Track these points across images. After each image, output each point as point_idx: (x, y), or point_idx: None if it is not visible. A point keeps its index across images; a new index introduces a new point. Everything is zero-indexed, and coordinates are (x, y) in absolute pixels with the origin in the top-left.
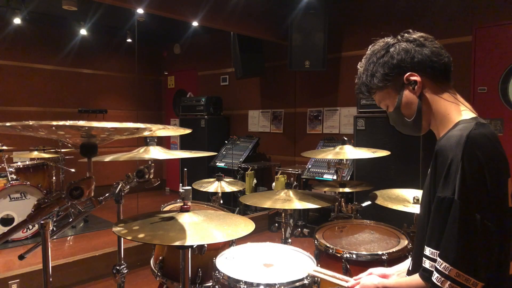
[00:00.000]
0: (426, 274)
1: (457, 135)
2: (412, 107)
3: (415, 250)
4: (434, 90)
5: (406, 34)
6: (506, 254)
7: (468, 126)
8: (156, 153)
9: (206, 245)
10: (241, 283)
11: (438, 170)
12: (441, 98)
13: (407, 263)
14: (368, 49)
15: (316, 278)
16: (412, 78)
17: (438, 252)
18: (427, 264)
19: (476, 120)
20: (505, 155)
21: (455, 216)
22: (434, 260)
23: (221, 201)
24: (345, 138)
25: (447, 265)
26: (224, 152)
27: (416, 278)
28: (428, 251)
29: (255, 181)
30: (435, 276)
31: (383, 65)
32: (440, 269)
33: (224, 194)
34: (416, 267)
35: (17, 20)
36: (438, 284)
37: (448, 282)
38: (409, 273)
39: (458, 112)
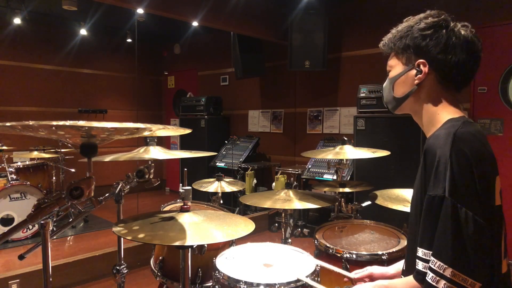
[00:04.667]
0: (419, 276)
1: (444, 133)
2: (405, 88)
3: (407, 251)
4: (434, 89)
5: (460, 25)
6: (497, 252)
7: (455, 125)
8: (156, 153)
9: (206, 245)
10: (241, 283)
11: (427, 169)
12: (438, 98)
13: None
14: (426, 12)
15: (316, 278)
16: (422, 67)
17: (430, 252)
18: (420, 265)
19: (463, 119)
20: (493, 153)
21: (447, 214)
22: (427, 261)
23: (221, 201)
24: (345, 138)
25: (442, 263)
26: (224, 152)
27: (410, 279)
28: (420, 252)
29: (255, 181)
30: (430, 276)
31: (414, 38)
32: (434, 268)
33: (224, 194)
34: (409, 268)
35: (17, 20)
36: (433, 284)
37: (443, 282)
38: (403, 273)
39: (448, 112)
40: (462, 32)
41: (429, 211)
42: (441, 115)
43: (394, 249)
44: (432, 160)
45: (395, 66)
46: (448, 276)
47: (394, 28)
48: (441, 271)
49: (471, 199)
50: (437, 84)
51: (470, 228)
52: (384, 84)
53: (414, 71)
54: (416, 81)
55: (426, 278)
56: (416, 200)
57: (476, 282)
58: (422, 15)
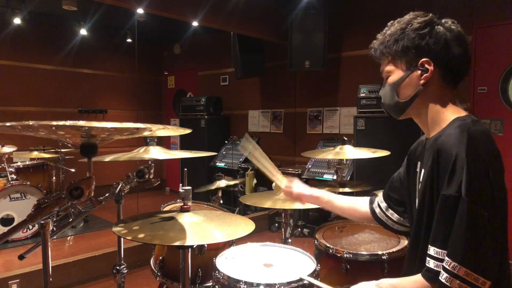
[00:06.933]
0: (430, 274)
1: (457, 132)
2: (410, 90)
3: (409, 249)
4: (439, 87)
5: (450, 21)
6: (507, 250)
7: (465, 123)
8: (156, 153)
9: (206, 245)
10: (241, 283)
11: (440, 168)
12: (442, 96)
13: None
14: (408, 14)
15: (316, 278)
16: (426, 66)
17: (444, 251)
18: (431, 264)
19: (470, 118)
20: (499, 150)
21: (463, 214)
22: (440, 260)
23: (221, 201)
24: (345, 138)
25: (456, 264)
26: (224, 152)
27: (418, 278)
28: (432, 250)
29: (255, 181)
30: (444, 276)
31: (412, 39)
32: (448, 268)
33: (224, 194)
34: (409, 270)
35: (17, 20)
36: (447, 284)
37: (457, 282)
38: (405, 271)
39: (452, 111)
40: (453, 27)
41: (442, 210)
42: (446, 114)
43: (394, 249)
44: (447, 160)
45: (394, 71)
46: (462, 275)
47: (380, 34)
48: (455, 271)
49: (487, 199)
50: (441, 81)
51: (486, 228)
52: (384, 91)
53: (418, 72)
54: (422, 81)
55: (440, 278)
56: (423, 198)
57: (487, 280)
58: (408, 17)
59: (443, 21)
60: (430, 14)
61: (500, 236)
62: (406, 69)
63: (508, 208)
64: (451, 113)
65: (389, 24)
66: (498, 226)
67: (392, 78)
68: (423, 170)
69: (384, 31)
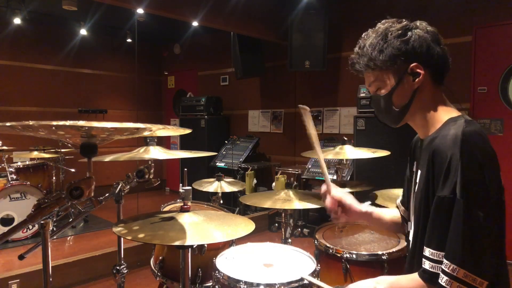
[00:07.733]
0: (425, 275)
1: (451, 134)
2: (405, 97)
3: (411, 247)
4: (430, 88)
5: (423, 23)
6: (505, 249)
7: (459, 124)
8: (156, 153)
9: (206, 245)
10: (241, 283)
11: (435, 170)
12: (434, 97)
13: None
14: (380, 23)
15: (316, 278)
16: (417, 70)
17: (440, 253)
18: (427, 265)
19: (463, 118)
20: (494, 150)
21: (459, 215)
22: (435, 261)
23: (221, 201)
24: (345, 138)
25: (455, 266)
26: (224, 152)
27: (415, 277)
28: (428, 252)
29: (255, 181)
30: (444, 279)
31: (397, 46)
32: (448, 271)
33: (224, 194)
34: (409, 271)
35: (17, 20)
36: (448, 287)
37: (457, 284)
38: (406, 269)
39: (445, 112)
40: (429, 28)
41: (438, 211)
42: (440, 115)
43: (394, 249)
44: (441, 161)
45: (383, 82)
46: (461, 277)
47: (357, 47)
48: (455, 274)
49: (482, 200)
50: (431, 82)
51: (482, 229)
52: (378, 103)
53: (409, 77)
54: (416, 85)
55: (440, 281)
56: (420, 199)
57: (484, 281)
58: (383, 25)
59: (417, 23)
60: (404, 20)
61: (497, 236)
62: (396, 77)
63: (506, 208)
64: (444, 114)
65: (363, 36)
66: (494, 225)
67: (385, 89)
68: (419, 171)
69: (361, 43)
